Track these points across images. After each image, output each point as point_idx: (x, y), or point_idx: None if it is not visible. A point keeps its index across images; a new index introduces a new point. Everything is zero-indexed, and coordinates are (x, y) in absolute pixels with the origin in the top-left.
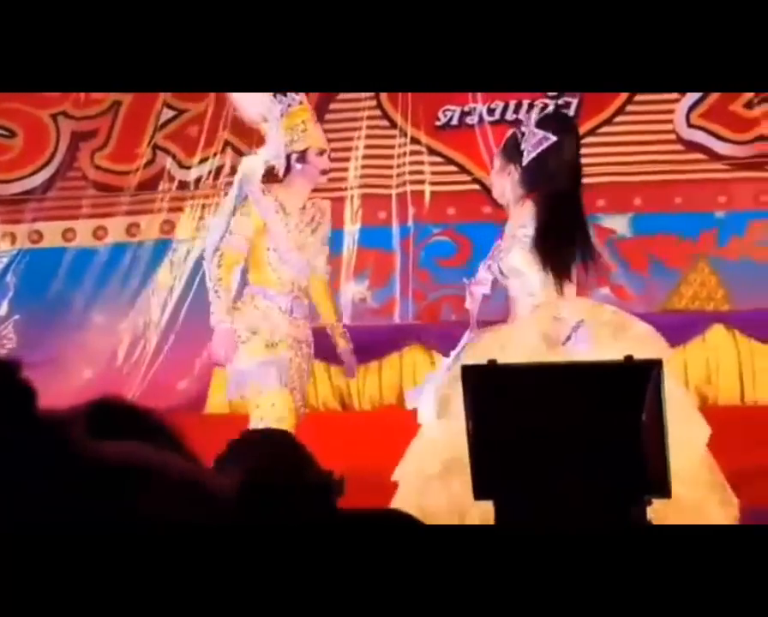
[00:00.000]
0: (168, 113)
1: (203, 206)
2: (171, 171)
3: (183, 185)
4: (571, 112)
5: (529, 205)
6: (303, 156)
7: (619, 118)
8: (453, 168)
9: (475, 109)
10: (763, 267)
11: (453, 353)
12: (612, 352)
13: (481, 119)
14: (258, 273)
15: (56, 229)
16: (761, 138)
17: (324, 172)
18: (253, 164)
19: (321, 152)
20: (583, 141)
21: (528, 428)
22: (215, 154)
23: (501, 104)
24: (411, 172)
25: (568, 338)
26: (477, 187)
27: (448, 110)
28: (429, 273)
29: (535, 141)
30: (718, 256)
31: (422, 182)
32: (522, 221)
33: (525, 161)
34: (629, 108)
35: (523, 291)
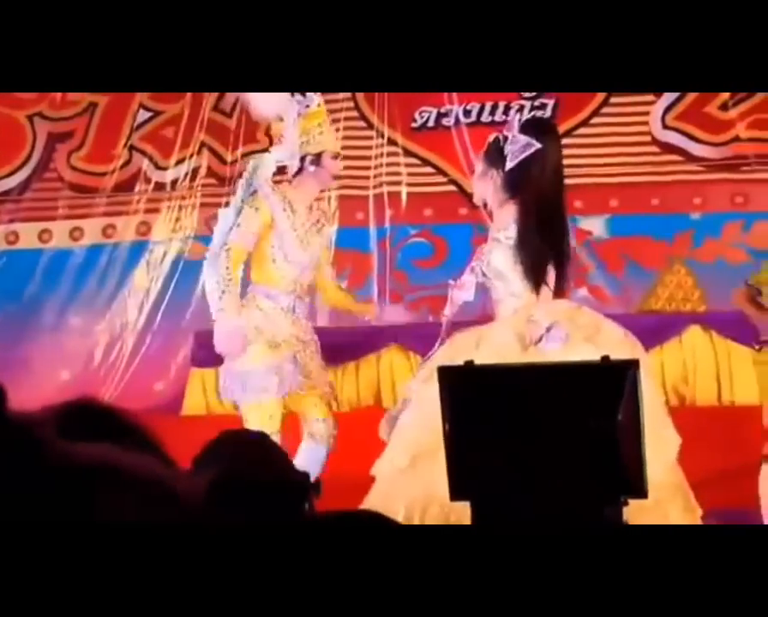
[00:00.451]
0: (144, 114)
1: (179, 208)
2: (148, 173)
3: (159, 186)
4: (547, 113)
5: (511, 208)
6: (317, 159)
7: (595, 120)
8: (429, 169)
9: (451, 110)
10: (739, 268)
11: (429, 354)
12: (586, 355)
13: (457, 121)
14: (261, 271)
15: (32, 230)
16: (736, 139)
17: (335, 177)
18: (265, 161)
19: (335, 157)
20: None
21: (505, 429)
22: (191, 156)
23: (477, 106)
24: (388, 173)
25: (540, 338)
26: (453, 188)
27: (425, 111)
28: (406, 274)
29: (519, 147)
30: (694, 258)
31: (398, 183)
32: (504, 224)
33: (508, 166)
34: (605, 109)
35: (506, 293)
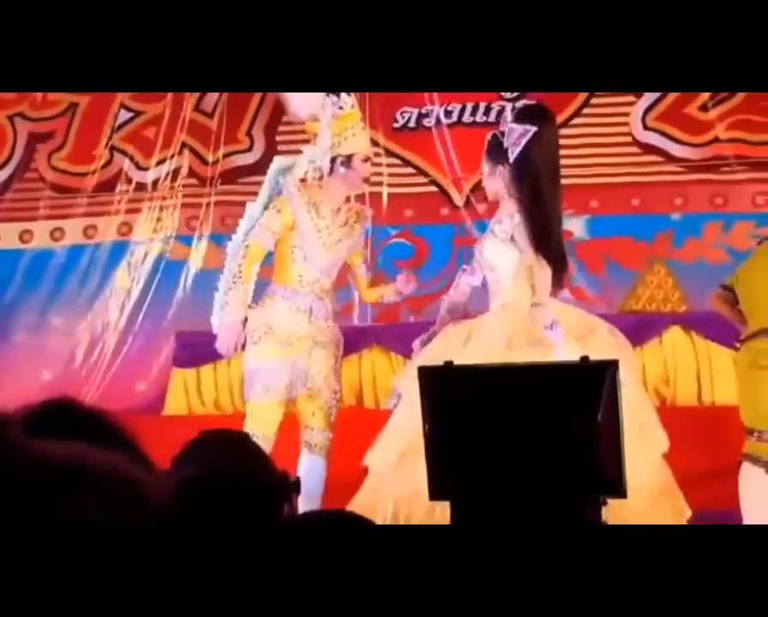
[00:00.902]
0: (125, 115)
1: (161, 208)
2: (129, 173)
3: (140, 187)
4: None
5: (509, 201)
6: (348, 161)
7: (575, 121)
8: (410, 170)
9: (432, 111)
10: (718, 269)
11: (420, 343)
12: (578, 355)
13: (438, 121)
14: (281, 271)
15: (13, 230)
16: (716, 140)
17: (366, 180)
18: (294, 161)
19: (366, 160)
20: None
21: (484, 429)
22: (172, 156)
23: (458, 106)
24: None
25: (551, 326)
26: (434, 189)
27: (406, 111)
28: (387, 275)
29: (516, 136)
30: (674, 258)
31: (379, 183)
32: (499, 217)
33: (512, 158)
34: (585, 111)
35: (497, 285)
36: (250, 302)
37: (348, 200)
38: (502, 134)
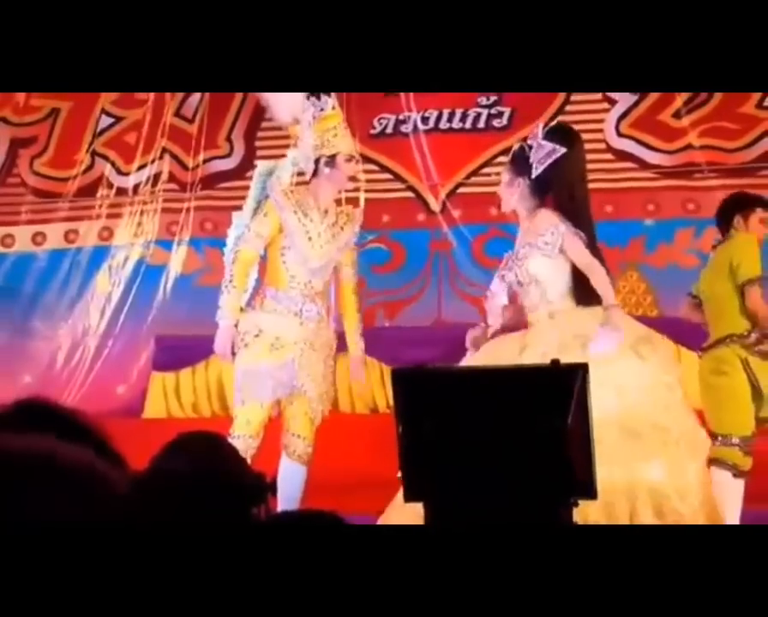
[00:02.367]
0: (106, 120)
1: (141, 213)
2: (110, 178)
3: (121, 191)
4: (504, 121)
5: (546, 214)
6: (332, 160)
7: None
8: (387, 176)
9: (409, 117)
10: (690, 274)
11: (469, 356)
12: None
13: (415, 127)
14: (271, 274)
15: None
16: (689, 147)
17: (351, 178)
18: (280, 165)
19: (350, 159)
20: None
21: (458, 431)
22: (153, 161)
23: (435, 113)
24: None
25: (602, 337)
26: (410, 194)
27: (383, 118)
28: (364, 280)
29: (545, 154)
30: (646, 263)
31: (357, 189)
32: (542, 230)
33: (534, 173)
34: (559, 117)
35: (542, 299)
36: (244, 306)
37: (339, 202)
38: (530, 147)
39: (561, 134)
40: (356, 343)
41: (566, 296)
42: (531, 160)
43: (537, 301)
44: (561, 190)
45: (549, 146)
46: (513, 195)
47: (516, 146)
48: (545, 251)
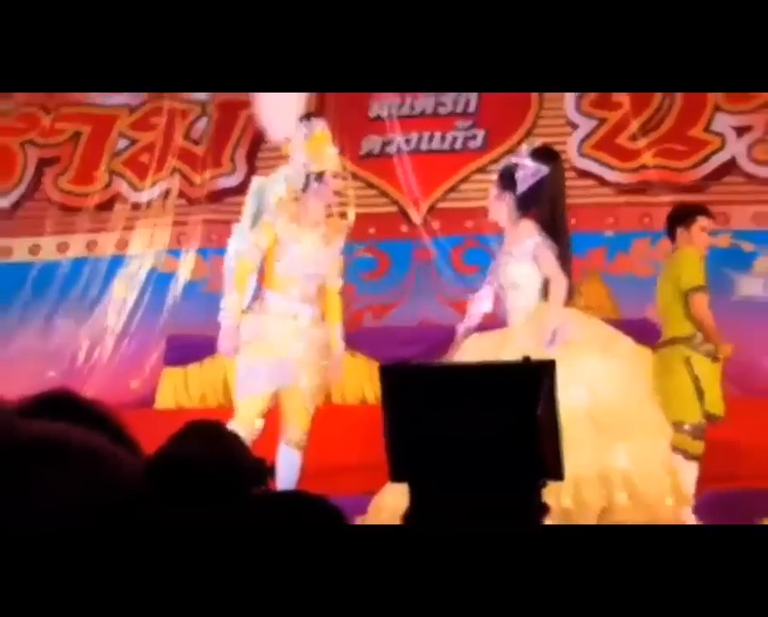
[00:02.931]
0: (123, 142)
1: (154, 225)
2: (126, 194)
3: (135, 206)
4: (478, 143)
5: (525, 225)
6: (320, 177)
7: (515, 153)
8: (374, 192)
9: (393, 140)
10: (645, 281)
11: (454, 352)
12: (600, 362)
13: (399, 149)
14: (269, 280)
15: (23, 244)
16: (644, 167)
17: (338, 193)
18: (273, 179)
19: (336, 175)
20: (489, 169)
21: (439, 420)
22: (164, 179)
23: (416, 135)
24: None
25: (553, 337)
26: (395, 208)
27: (370, 140)
28: (354, 286)
29: (530, 172)
30: (607, 271)
31: (346, 204)
32: (518, 240)
33: (519, 189)
34: (528, 139)
35: (520, 301)
36: (244, 308)
37: (330, 215)
38: (515, 165)
39: (544, 155)
40: (337, 343)
41: (540, 299)
42: (516, 177)
43: (515, 303)
44: (543, 205)
45: (533, 165)
46: (500, 208)
47: (503, 165)
48: (520, 258)
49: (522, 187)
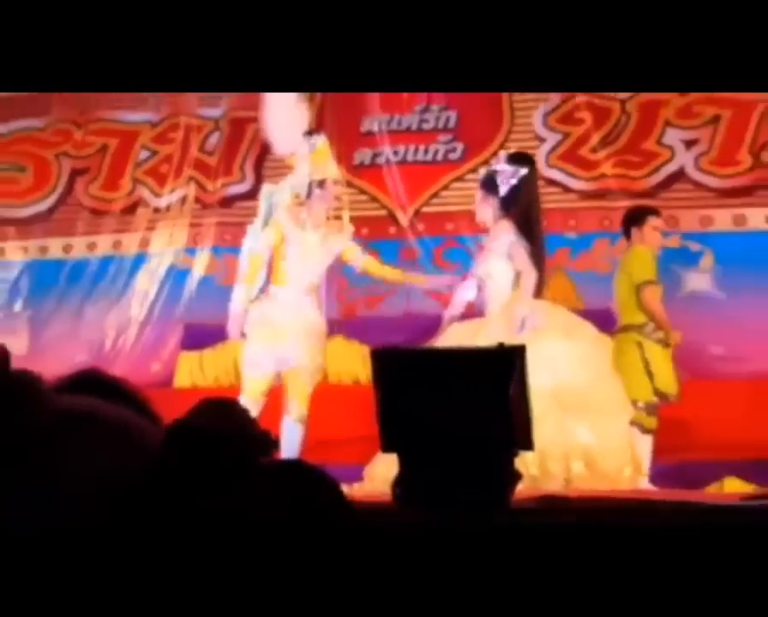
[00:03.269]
0: (145, 153)
1: (172, 226)
2: (147, 199)
3: (156, 210)
4: (458, 155)
5: (503, 224)
6: (322, 184)
7: (493, 160)
8: (365, 198)
9: (383, 152)
10: (605, 276)
11: (438, 336)
12: (562, 347)
13: (388, 160)
14: (276, 274)
15: (58, 243)
16: (603, 176)
17: (337, 198)
18: (280, 188)
19: (336, 182)
20: (466, 177)
21: (425, 397)
22: (182, 186)
23: (403, 148)
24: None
25: (523, 325)
26: (384, 212)
27: (362, 152)
28: (347, 279)
29: (508, 175)
30: (571, 268)
31: (341, 208)
32: (497, 237)
33: (502, 191)
34: (501, 152)
35: (496, 292)
36: (253, 298)
37: (329, 218)
38: (496, 171)
39: (519, 159)
40: (413, 277)
41: (512, 290)
42: (498, 181)
43: (491, 293)
44: (520, 208)
45: (510, 169)
46: (486, 210)
47: (486, 171)
48: (497, 254)
49: (504, 189)
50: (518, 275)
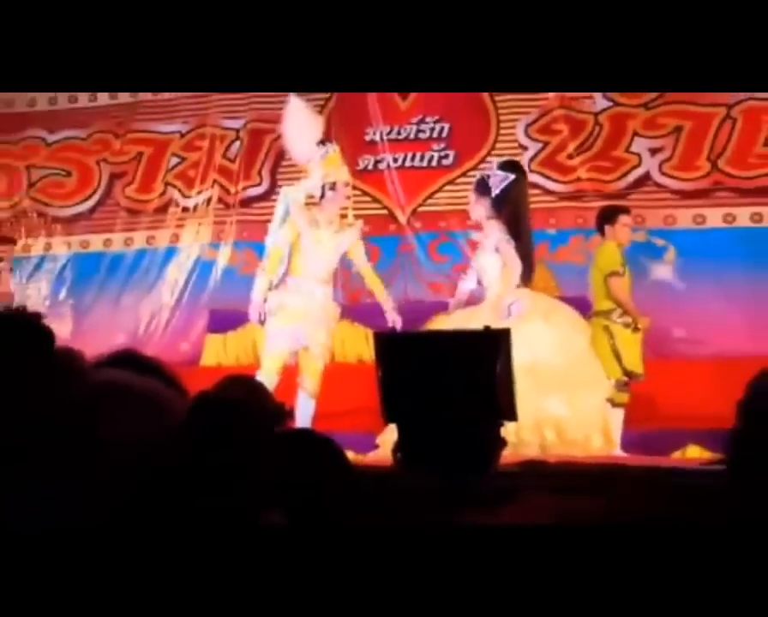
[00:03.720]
0: (174, 160)
1: (199, 224)
2: (177, 200)
3: (185, 210)
4: (450, 161)
5: (493, 223)
6: (334, 186)
7: (481, 165)
8: (368, 199)
9: (384, 158)
10: (581, 268)
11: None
12: (542, 330)
13: (388, 165)
14: (293, 265)
15: (98, 239)
16: (579, 179)
17: (347, 198)
18: (297, 189)
19: (347, 185)
20: (457, 181)
21: (421, 374)
22: (207, 189)
23: (402, 154)
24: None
25: (509, 311)
26: (385, 212)
27: (365, 158)
28: (351, 271)
29: (499, 179)
30: (550, 261)
31: (346, 208)
32: (487, 235)
33: (494, 194)
34: (488, 158)
35: (489, 283)
36: (272, 287)
37: (345, 216)
38: (488, 176)
39: (510, 165)
40: (386, 300)
41: (500, 281)
42: (490, 185)
43: (488, 284)
44: (510, 208)
45: (502, 174)
46: (479, 210)
47: (479, 175)
48: (489, 249)
49: (495, 191)
50: (504, 268)
